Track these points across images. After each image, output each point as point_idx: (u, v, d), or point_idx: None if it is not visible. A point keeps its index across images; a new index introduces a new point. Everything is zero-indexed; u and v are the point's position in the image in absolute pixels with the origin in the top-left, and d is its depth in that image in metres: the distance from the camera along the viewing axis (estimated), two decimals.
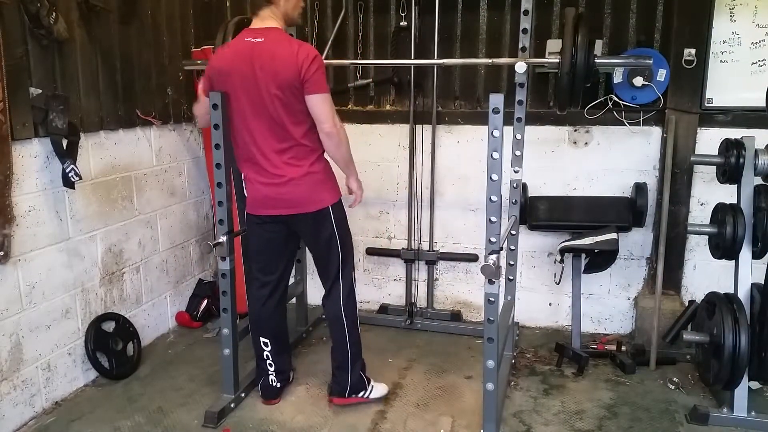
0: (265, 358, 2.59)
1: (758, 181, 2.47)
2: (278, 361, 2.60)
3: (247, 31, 2.30)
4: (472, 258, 3.42)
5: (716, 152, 2.58)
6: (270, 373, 2.60)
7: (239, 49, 2.25)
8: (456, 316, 3.49)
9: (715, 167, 2.64)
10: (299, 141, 2.27)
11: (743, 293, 2.44)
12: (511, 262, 2.92)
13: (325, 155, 2.38)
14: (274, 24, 2.28)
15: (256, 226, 2.46)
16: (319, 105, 2.22)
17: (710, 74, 2.96)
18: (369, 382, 2.60)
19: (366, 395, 2.57)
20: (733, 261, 2.47)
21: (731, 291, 2.47)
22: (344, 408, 2.58)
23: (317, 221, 2.36)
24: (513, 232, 2.86)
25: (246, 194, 2.43)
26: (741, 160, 2.42)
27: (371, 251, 3.59)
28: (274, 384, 2.61)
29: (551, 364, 2.99)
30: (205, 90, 2.39)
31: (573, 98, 2.35)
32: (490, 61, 2.71)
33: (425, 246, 3.50)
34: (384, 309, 3.59)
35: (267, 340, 2.58)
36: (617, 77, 3.00)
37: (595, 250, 2.93)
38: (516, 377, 2.86)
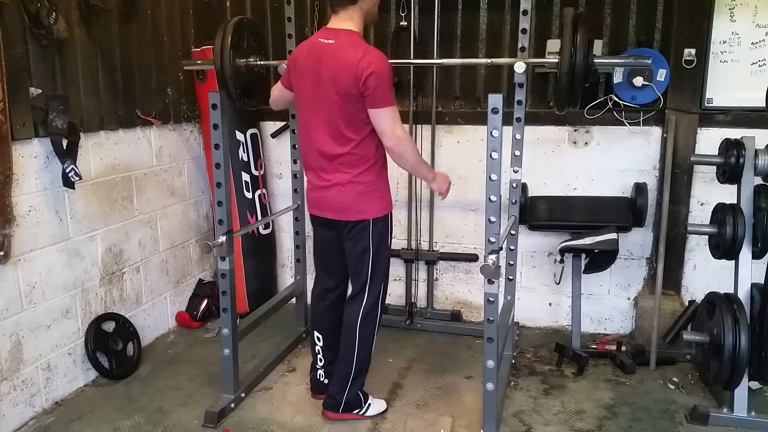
0: (316, 352, 2.59)
1: (758, 181, 2.47)
2: (328, 358, 2.58)
3: (323, 31, 2.28)
4: (472, 258, 3.42)
5: (716, 152, 2.58)
6: (318, 367, 2.60)
7: (312, 49, 2.24)
8: (456, 316, 3.49)
9: (715, 167, 2.63)
10: (352, 149, 2.24)
11: (743, 293, 2.44)
12: (511, 262, 2.92)
13: (377, 168, 2.32)
14: (350, 25, 2.23)
15: (315, 225, 2.50)
16: (379, 118, 2.17)
17: (710, 74, 2.96)
18: (366, 399, 2.52)
19: (362, 412, 2.50)
20: (733, 261, 2.47)
21: (731, 291, 2.47)
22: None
23: (355, 231, 2.33)
24: (513, 232, 2.86)
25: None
26: (741, 160, 2.42)
27: None
28: (322, 379, 2.60)
29: (551, 364, 2.99)
30: (283, 80, 2.43)
31: (572, 98, 2.35)
32: (489, 61, 2.72)
33: (425, 246, 3.50)
34: (384, 309, 3.58)
35: (320, 336, 2.57)
36: (617, 77, 3.00)
37: (595, 250, 2.93)
38: (516, 377, 2.85)
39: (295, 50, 2.35)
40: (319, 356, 2.59)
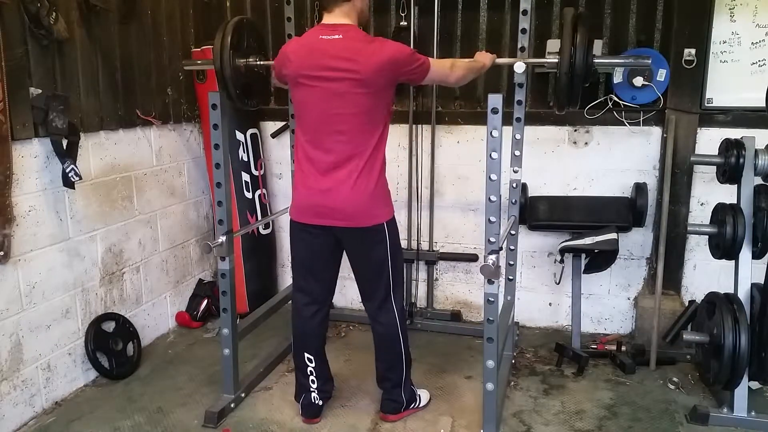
0: (308, 374, 2.43)
1: (758, 181, 2.47)
2: (321, 378, 2.46)
3: (322, 27, 2.15)
4: (472, 258, 3.42)
5: (716, 152, 2.58)
6: (312, 390, 2.44)
7: (313, 47, 2.11)
8: (456, 316, 3.49)
9: (715, 167, 2.63)
10: (368, 150, 2.14)
11: (743, 293, 2.43)
12: (511, 262, 2.92)
13: (383, 171, 2.24)
14: (348, 21, 2.14)
15: (301, 234, 2.31)
16: (433, 77, 2.23)
17: (710, 74, 2.96)
18: (416, 391, 2.54)
19: (417, 405, 2.52)
20: (733, 261, 2.47)
21: (731, 291, 2.47)
22: (344, 408, 2.58)
23: (370, 238, 2.22)
24: (512, 232, 2.86)
25: (293, 198, 2.31)
26: (741, 160, 2.42)
27: None
28: (317, 402, 2.45)
29: (551, 364, 2.99)
30: (277, 73, 2.32)
31: (572, 98, 2.35)
32: None
33: (425, 246, 3.49)
34: None
35: (312, 357, 2.41)
36: (617, 77, 3.00)
37: (595, 250, 2.93)
38: (516, 377, 2.85)
39: (287, 47, 2.22)
40: (312, 377, 2.42)
